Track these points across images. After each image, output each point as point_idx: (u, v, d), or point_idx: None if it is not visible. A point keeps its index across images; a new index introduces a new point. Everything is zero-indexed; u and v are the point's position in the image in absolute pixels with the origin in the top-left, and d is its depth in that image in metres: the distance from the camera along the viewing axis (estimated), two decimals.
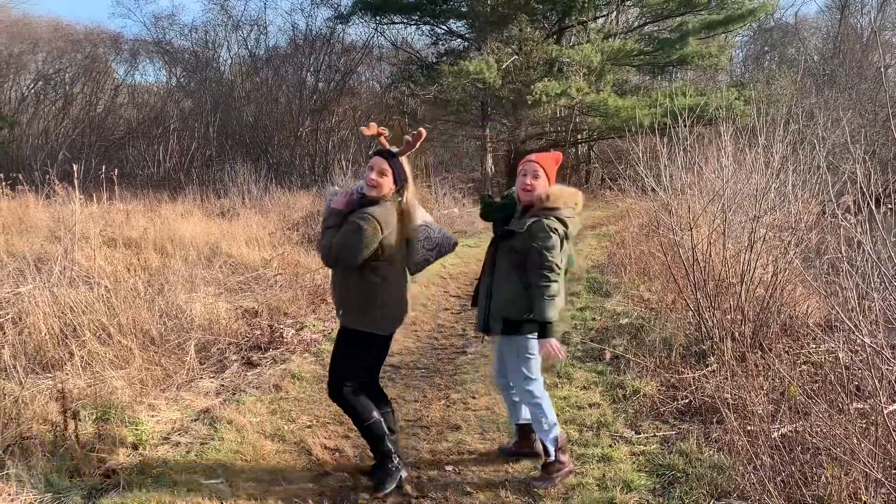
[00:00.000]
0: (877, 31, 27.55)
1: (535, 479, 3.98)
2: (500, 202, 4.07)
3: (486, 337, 4.23)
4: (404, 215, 3.76)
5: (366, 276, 3.69)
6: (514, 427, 4.32)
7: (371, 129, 3.87)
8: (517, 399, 4.11)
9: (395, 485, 3.90)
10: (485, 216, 4.15)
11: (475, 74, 17.74)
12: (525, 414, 4.14)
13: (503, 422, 4.76)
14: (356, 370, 3.88)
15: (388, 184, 3.71)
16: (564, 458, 3.99)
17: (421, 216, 3.96)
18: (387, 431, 3.91)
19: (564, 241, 3.77)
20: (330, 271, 3.93)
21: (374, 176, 3.69)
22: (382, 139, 3.88)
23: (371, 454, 4.02)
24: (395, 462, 3.93)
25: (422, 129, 3.82)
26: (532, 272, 3.69)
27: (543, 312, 3.65)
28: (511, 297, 3.79)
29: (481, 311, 3.97)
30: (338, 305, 3.86)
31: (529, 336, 3.83)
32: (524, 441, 4.25)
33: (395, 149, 3.82)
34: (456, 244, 4.18)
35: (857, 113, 17.98)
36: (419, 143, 3.80)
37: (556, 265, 3.67)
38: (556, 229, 3.71)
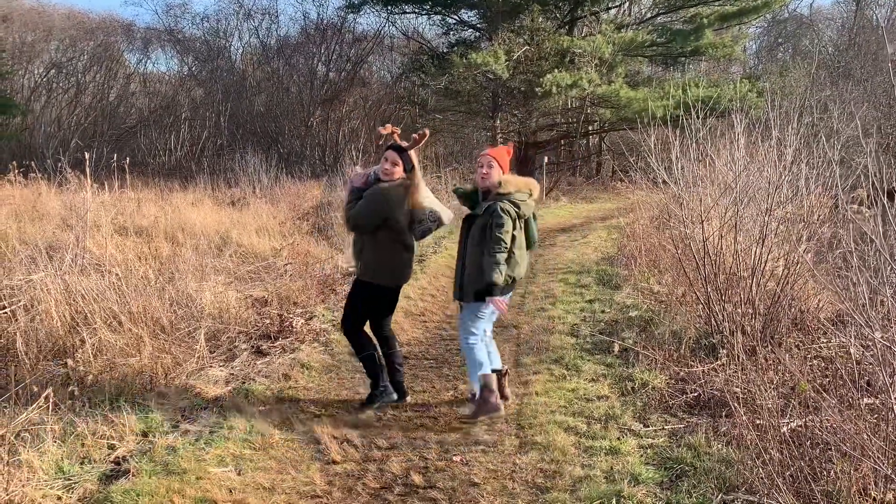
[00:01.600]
0: (893, 23, 27.24)
1: (464, 416, 4.76)
2: (466, 191, 4.95)
3: (461, 304, 4.91)
4: (412, 190, 4.73)
5: (379, 239, 4.70)
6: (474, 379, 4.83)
7: (386, 129, 4.85)
8: (491, 350, 4.94)
9: (381, 402, 4.90)
10: (462, 203, 4.99)
11: (484, 66, 17.68)
12: (496, 364, 4.91)
13: (510, 413, 4.77)
14: (362, 313, 4.92)
15: (398, 172, 4.73)
16: (490, 396, 4.68)
17: (428, 198, 4.87)
18: (381, 364, 4.91)
19: (517, 220, 4.64)
20: (352, 236, 4.95)
21: (388, 166, 4.71)
22: (395, 136, 4.84)
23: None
24: (383, 386, 4.91)
25: (425, 129, 4.81)
26: (486, 245, 4.55)
27: (489, 275, 4.48)
28: (478, 269, 4.59)
29: (456, 282, 4.87)
30: (355, 260, 4.91)
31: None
32: (484, 394, 4.73)
33: (404, 144, 4.78)
34: (452, 217, 5.16)
35: (871, 106, 17.80)
36: (423, 141, 4.75)
37: (504, 241, 4.53)
38: (507, 211, 4.57)
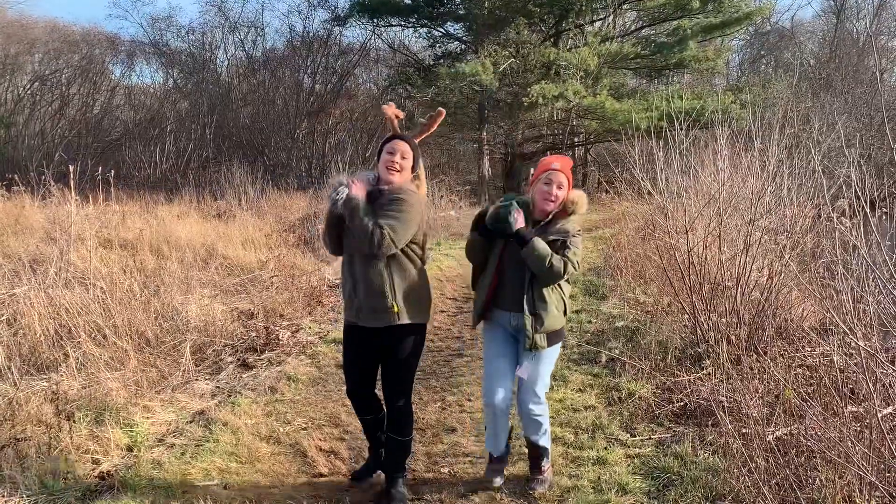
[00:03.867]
0: (872, 36, 27.63)
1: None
2: (504, 212, 3.65)
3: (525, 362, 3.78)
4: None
5: (412, 262, 3.54)
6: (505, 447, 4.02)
7: (391, 107, 3.79)
8: (539, 417, 3.84)
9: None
10: (493, 226, 3.71)
11: (471, 76, 17.77)
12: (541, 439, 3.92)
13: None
14: (365, 374, 3.76)
15: (409, 167, 3.56)
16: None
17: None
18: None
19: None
20: (341, 265, 3.68)
21: (397, 159, 3.50)
22: (395, 122, 3.77)
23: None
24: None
25: (441, 109, 3.80)
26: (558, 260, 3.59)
27: (549, 256, 3.56)
28: (551, 306, 3.69)
29: (524, 325, 3.66)
30: (348, 299, 3.59)
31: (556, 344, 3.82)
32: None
33: (409, 133, 3.75)
34: None
35: (852, 117, 18.03)
36: (436, 125, 3.74)
37: (578, 265, 3.67)
38: (580, 233, 3.76)
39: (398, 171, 3.49)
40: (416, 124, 3.75)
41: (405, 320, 3.49)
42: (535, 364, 3.73)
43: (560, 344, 3.88)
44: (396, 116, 3.76)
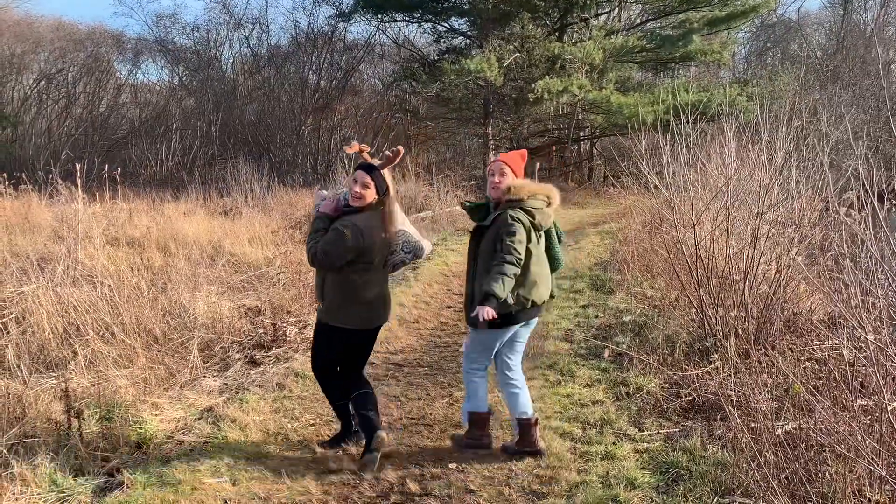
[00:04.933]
0: (879, 27, 27.46)
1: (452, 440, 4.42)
2: (476, 204, 4.32)
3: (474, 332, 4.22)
4: (385, 220, 4.13)
5: (346, 276, 4.09)
6: (513, 423, 4.32)
7: (353, 147, 4.28)
8: (518, 391, 4.25)
9: (345, 446, 4.39)
10: (471, 217, 4.36)
11: (476, 72, 17.73)
12: (524, 407, 4.24)
13: (505, 419, 4.77)
14: (329, 359, 4.31)
15: (370, 195, 4.10)
16: (479, 435, 4.31)
17: (400, 221, 4.29)
18: (351, 412, 4.35)
19: (532, 232, 4.06)
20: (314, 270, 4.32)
21: (357, 189, 4.08)
22: (364, 154, 4.26)
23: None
24: (355, 430, 4.39)
25: (400, 147, 4.25)
26: (495, 256, 3.94)
27: (490, 284, 3.81)
28: None
29: (467, 304, 4.22)
30: (317, 297, 4.30)
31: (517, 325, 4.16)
32: (524, 438, 4.24)
33: (376, 162, 4.20)
34: (431, 248, 4.73)
35: (860, 109, 17.93)
36: (398, 160, 4.19)
37: (516, 249, 3.89)
38: (518, 219, 3.98)
39: (358, 199, 4.10)
40: (383, 156, 4.22)
41: (328, 321, 4.18)
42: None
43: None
44: (361, 150, 4.27)
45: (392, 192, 4.22)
